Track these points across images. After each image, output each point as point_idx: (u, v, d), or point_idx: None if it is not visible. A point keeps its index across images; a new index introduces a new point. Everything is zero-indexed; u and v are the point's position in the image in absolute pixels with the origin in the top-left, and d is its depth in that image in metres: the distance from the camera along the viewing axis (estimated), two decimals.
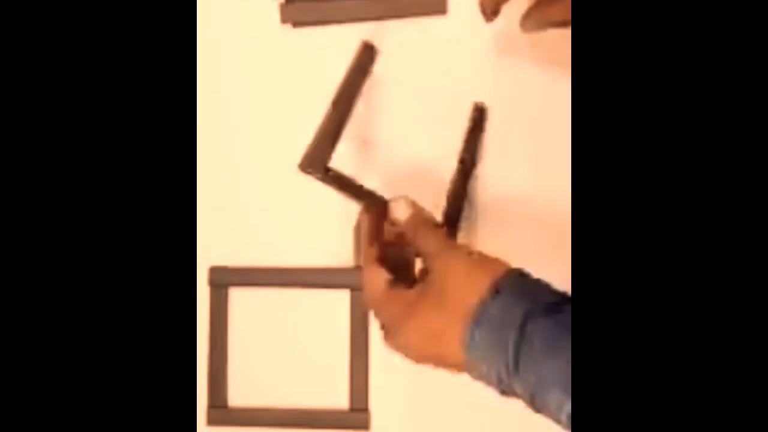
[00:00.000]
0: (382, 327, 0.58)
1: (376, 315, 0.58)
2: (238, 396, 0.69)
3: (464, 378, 0.67)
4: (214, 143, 0.70)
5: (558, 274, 0.53)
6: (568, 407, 0.48)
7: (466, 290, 0.53)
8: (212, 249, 0.69)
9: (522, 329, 0.50)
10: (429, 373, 0.68)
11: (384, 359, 0.69)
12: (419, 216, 0.59)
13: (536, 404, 0.50)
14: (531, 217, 0.68)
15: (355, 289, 0.69)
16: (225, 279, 0.70)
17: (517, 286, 0.52)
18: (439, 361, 0.55)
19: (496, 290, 0.52)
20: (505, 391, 0.53)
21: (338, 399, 0.69)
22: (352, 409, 0.69)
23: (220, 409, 0.69)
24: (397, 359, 0.67)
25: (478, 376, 0.53)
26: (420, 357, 0.56)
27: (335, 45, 0.67)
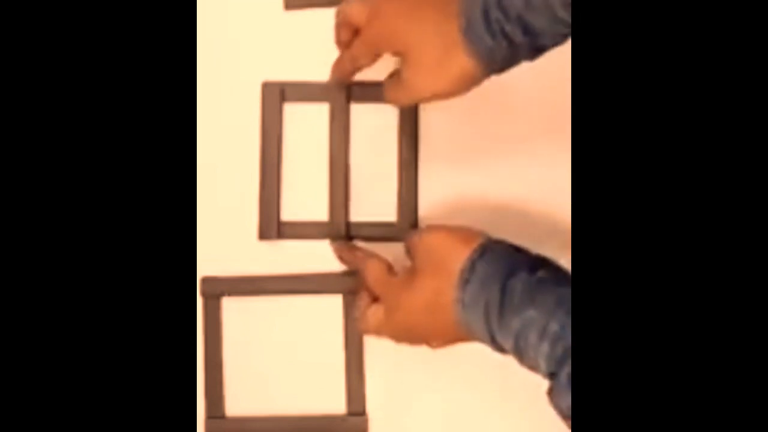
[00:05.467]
0: (374, 314, 0.62)
1: (381, 297, 0.62)
2: (235, 405, 0.69)
3: (460, 380, 0.68)
4: (204, 150, 0.69)
5: None
6: (544, 348, 0.53)
7: (454, 255, 0.58)
8: (202, 259, 0.69)
9: (504, 283, 0.56)
10: (425, 374, 0.68)
11: (379, 362, 0.69)
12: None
13: (519, 349, 0.55)
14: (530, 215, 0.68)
15: (348, 294, 0.69)
16: (217, 289, 0.70)
17: (499, 249, 0.58)
18: (437, 331, 0.60)
19: (482, 251, 0.58)
20: (496, 344, 0.57)
21: (335, 404, 0.69)
22: (349, 413, 0.69)
23: (218, 420, 0.69)
24: (392, 361, 0.68)
25: (473, 335, 0.58)
26: (419, 331, 0.61)
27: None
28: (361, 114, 0.70)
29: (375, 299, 0.63)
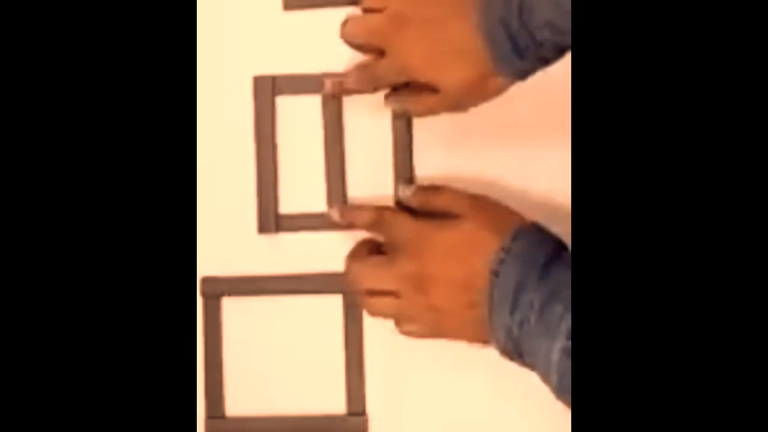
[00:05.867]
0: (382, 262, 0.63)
1: (404, 239, 0.62)
2: (235, 405, 0.70)
3: (460, 380, 0.68)
4: (204, 151, 0.69)
5: None
6: (567, 319, 0.53)
7: (511, 215, 0.61)
8: (202, 259, 0.69)
9: (553, 252, 0.58)
10: (425, 374, 0.68)
11: (379, 362, 0.69)
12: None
13: (543, 316, 0.55)
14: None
15: (348, 294, 0.69)
16: (217, 289, 0.70)
17: (543, 229, 0.61)
18: (455, 280, 0.59)
19: (530, 224, 0.61)
20: (516, 309, 0.56)
21: (335, 404, 0.69)
22: (349, 413, 0.69)
23: (218, 420, 0.69)
24: (392, 361, 0.68)
25: (494, 293, 0.57)
26: (435, 276, 0.60)
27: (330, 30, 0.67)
28: (354, 103, 0.69)
29: (374, 251, 0.64)
